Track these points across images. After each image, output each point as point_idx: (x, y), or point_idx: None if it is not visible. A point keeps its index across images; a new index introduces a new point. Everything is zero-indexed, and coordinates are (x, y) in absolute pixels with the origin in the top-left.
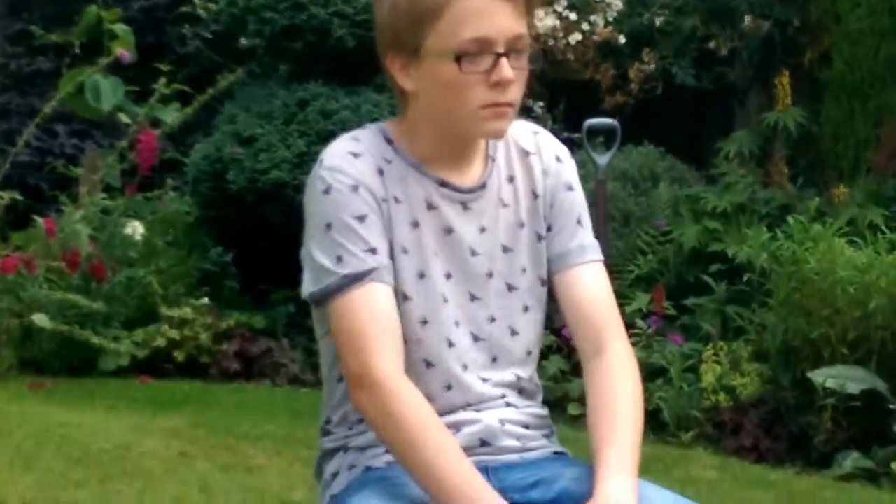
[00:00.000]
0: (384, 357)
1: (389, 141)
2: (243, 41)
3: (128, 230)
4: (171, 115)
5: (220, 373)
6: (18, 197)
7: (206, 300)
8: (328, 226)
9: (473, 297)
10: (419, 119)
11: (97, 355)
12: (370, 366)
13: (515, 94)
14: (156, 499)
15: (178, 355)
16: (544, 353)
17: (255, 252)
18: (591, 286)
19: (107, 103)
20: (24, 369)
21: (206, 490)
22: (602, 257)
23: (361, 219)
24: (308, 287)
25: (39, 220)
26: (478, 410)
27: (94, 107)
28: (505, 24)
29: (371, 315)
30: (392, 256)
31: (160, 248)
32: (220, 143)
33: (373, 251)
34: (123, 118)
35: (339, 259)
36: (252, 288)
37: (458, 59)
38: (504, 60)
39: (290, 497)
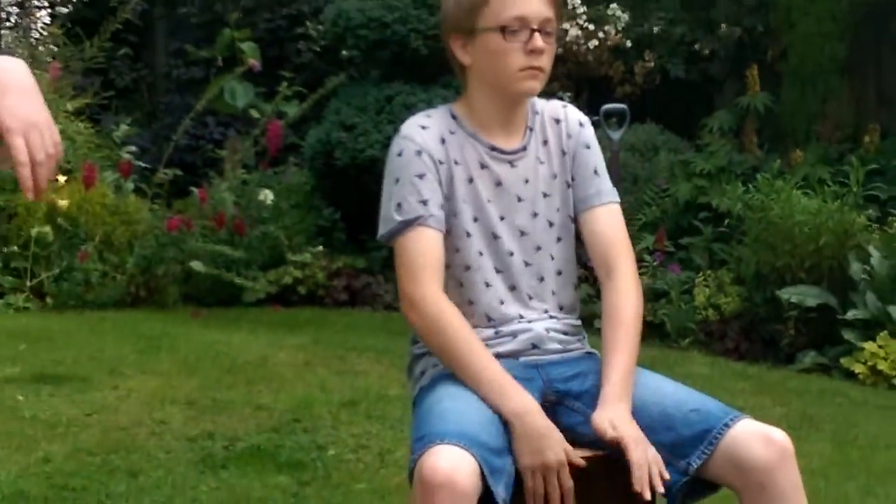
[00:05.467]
0: (427, 284)
1: (454, 117)
2: (344, 52)
3: (261, 196)
4: (292, 110)
5: (333, 302)
6: (179, 173)
7: (320, 248)
8: (396, 181)
9: (523, 233)
10: (474, 90)
11: (240, 291)
12: (416, 291)
13: (545, 62)
14: (287, 397)
15: (301, 289)
16: None
17: (357, 210)
18: (603, 222)
19: (241, 101)
20: (186, 302)
21: (324, 390)
22: (617, 199)
23: (421, 176)
24: (379, 231)
25: (195, 191)
26: (529, 322)
27: (232, 104)
28: (538, 8)
29: (417, 251)
30: (453, 208)
31: (285, 210)
32: (328, 129)
33: (424, 202)
34: (255, 113)
35: (399, 207)
36: (355, 238)
37: (503, 31)
38: (537, 34)
39: (387, 393)
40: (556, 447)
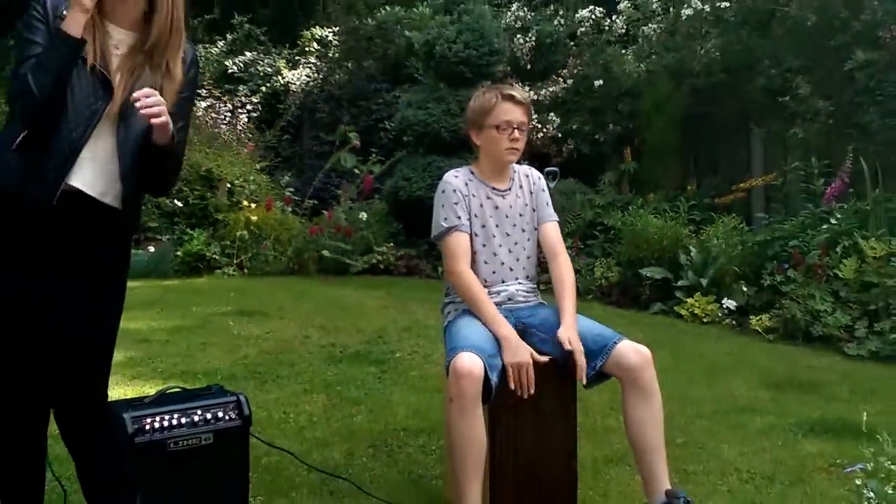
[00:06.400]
0: (460, 263)
1: (472, 172)
2: (405, 138)
3: (360, 216)
4: (377, 169)
5: (399, 273)
6: (316, 202)
7: (392, 243)
8: (442, 206)
9: (507, 234)
10: (482, 158)
11: (348, 267)
12: (454, 267)
13: (520, 145)
14: (374, 324)
15: (382, 266)
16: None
17: (411, 224)
18: (550, 230)
19: (349, 164)
20: (319, 273)
21: (394, 321)
22: (557, 219)
23: (456, 204)
24: (433, 233)
25: (325, 213)
26: (507, 285)
27: (345, 166)
28: (518, 116)
29: (456, 245)
30: (470, 220)
31: (373, 223)
32: (397, 180)
33: (458, 217)
34: (357, 171)
35: (445, 219)
36: (411, 238)
37: (497, 128)
38: (516, 130)
39: (428, 323)
40: (525, 354)
